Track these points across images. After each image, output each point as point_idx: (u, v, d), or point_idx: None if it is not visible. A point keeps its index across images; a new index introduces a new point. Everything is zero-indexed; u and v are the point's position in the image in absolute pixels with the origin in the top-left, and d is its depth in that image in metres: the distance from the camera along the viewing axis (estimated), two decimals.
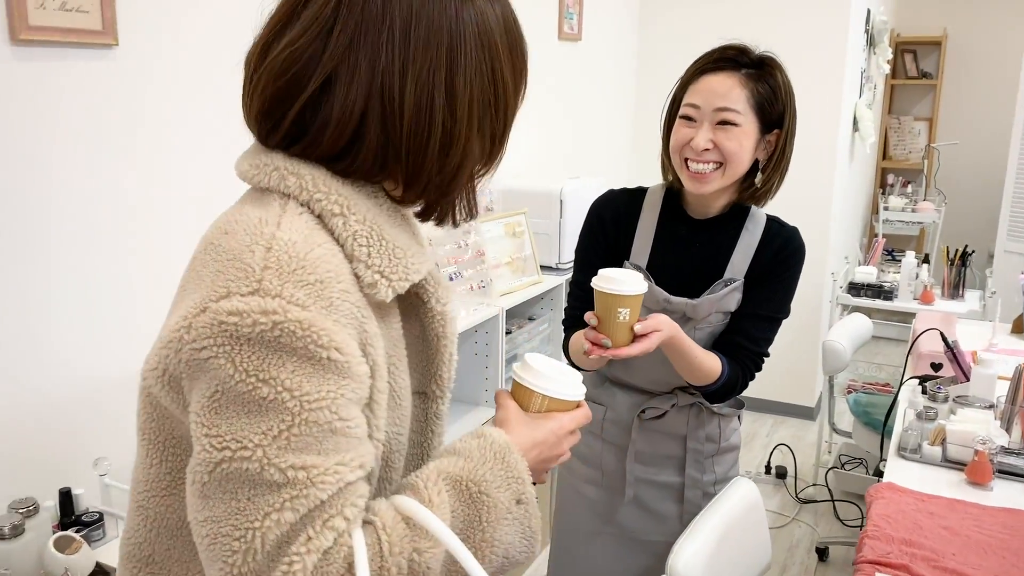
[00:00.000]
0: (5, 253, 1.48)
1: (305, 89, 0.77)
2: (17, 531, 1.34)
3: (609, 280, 1.37)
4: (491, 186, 2.74)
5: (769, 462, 3.64)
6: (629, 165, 4.24)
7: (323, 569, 0.72)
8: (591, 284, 1.40)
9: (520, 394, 0.92)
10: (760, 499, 1.62)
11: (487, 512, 0.81)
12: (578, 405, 0.94)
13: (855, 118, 4.43)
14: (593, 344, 1.40)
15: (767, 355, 1.65)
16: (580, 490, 1.77)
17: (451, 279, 2.34)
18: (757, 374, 1.65)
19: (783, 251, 1.61)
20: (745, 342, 1.60)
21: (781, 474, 3.58)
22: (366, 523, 0.75)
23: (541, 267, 2.76)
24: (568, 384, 0.91)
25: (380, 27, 0.77)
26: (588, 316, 1.42)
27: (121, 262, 1.69)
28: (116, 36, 1.60)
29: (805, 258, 1.65)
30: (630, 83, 4.25)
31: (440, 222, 0.89)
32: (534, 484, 0.87)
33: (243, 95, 0.82)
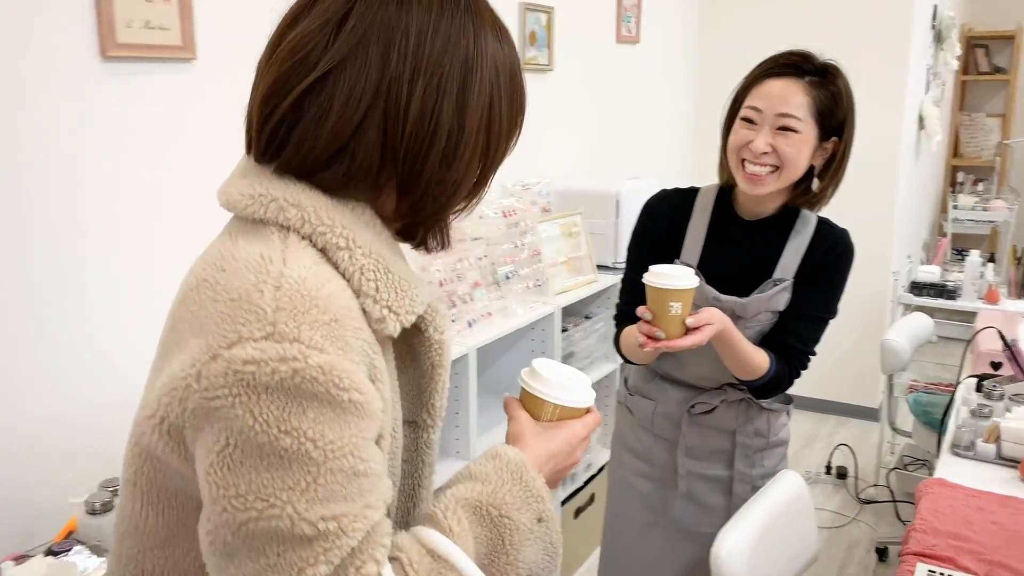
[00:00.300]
0: (105, 254, 1.61)
1: (310, 74, 0.74)
2: (107, 507, 1.46)
3: (661, 275, 1.42)
4: (547, 187, 2.81)
5: (830, 462, 3.62)
6: (688, 167, 4.26)
7: None
8: (643, 280, 1.45)
9: (531, 403, 0.91)
10: (806, 491, 1.65)
11: (510, 535, 0.80)
12: (588, 410, 0.92)
13: (920, 116, 4.36)
14: (647, 337, 1.45)
15: (814, 354, 1.68)
16: (632, 483, 1.82)
17: (507, 278, 2.42)
18: (804, 372, 1.68)
19: (832, 252, 1.63)
20: (793, 341, 1.63)
21: (842, 474, 3.55)
22: (392, 559, 0.74)
23: (598, 267, 2.82)
24: (579, 391, 0.90)
25: (395, 27, 0.75)
26: (641, 310, 1.47)
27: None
28: (195, 51, 1.72)
29: (854, 260, 1.67)
30: (690, 85, 4.27)
31: (416, 245, 0.86)
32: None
33: (252, 91, 0.79)
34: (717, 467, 1.73)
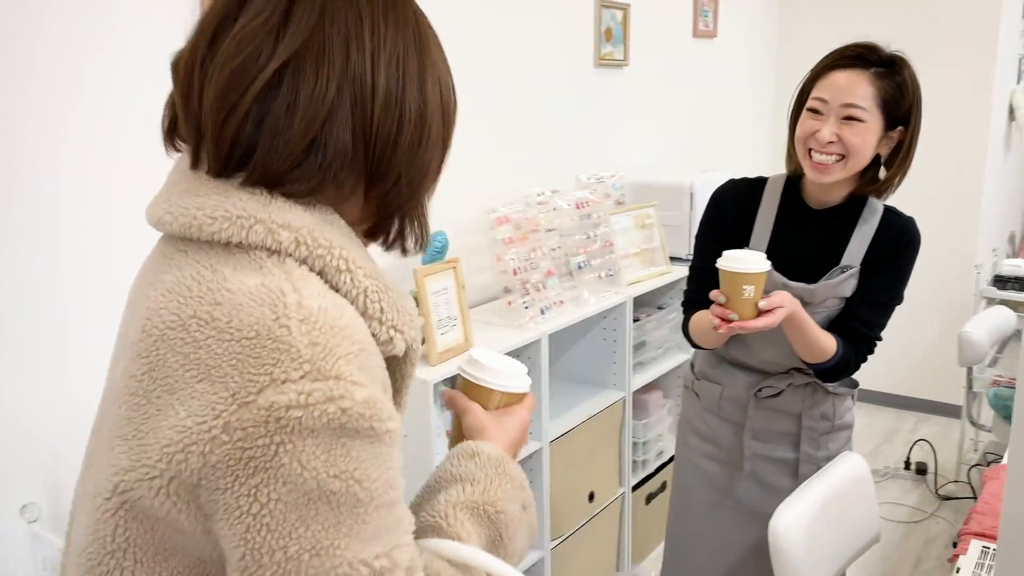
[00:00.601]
0: None
1: (266, 67, 0.69)
2: None
3: (734, 260, 1.49)
4: (621, 181, 2.88)
5: (909, 458, 3.58)
6: (765, 160, 4.25)
7: None
8: (716, 264, 1.51)
9: (477, 393, 0.92)
10: (869, 474, 1.69)
11: (505, 528, 0.82)
12: (524, 395, 0.94)
13: (1011, 106, 4.24)
14: (721, 319, 1.52)
15: (880, 339, 1.72)
16: (698, 465, 1.88)
17: (580, 267, 2.50)
18: (870, 357, 1.72)
19: (899, 239, 1.67)
20: (859, 326, 1.67)
21: (921, 470, 3.51)
22: None
23: (671, 258, 2.87)
24: (519, 376, 0.92)
25: (348, 11, 0.72)
26: (715, 294, 1.53)
27: None
28: None
29: (920, 248, 1.70)
30: (768, 79, 4.26)
31: (389, 245, 0.81)
32: None
33: (181, 96, 0.73)
34: (783, 449, 1.78)
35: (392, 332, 0.73)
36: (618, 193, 2.81)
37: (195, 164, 0.73)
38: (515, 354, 2.22)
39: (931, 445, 3.57)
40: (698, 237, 1.83)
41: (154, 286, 0.71)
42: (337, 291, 0.71)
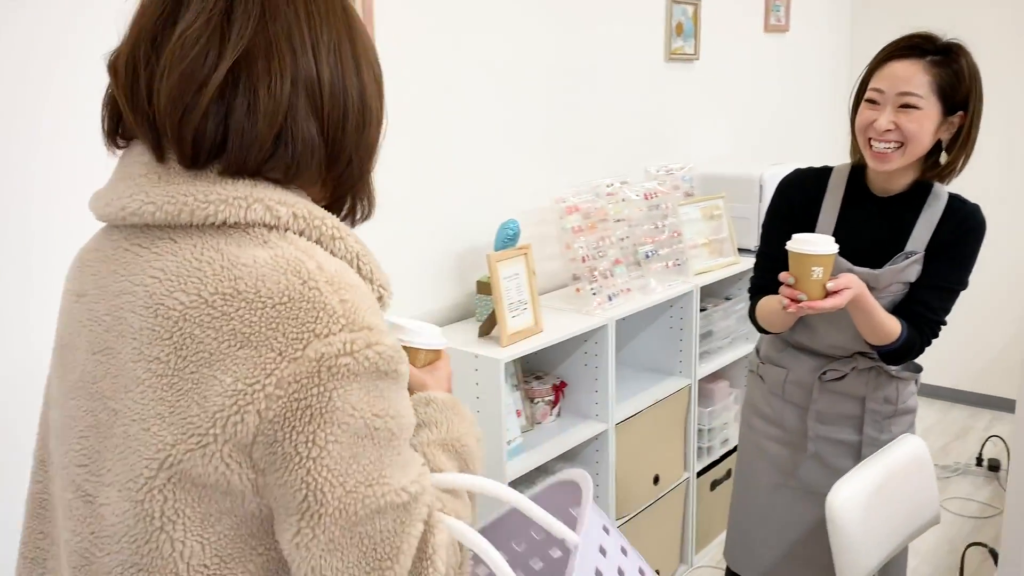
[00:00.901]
0: None
1: (218, 65, 0.72)
2: None
3: (804, 242, 1.55)
4: (690, 173, 2.93)
5: (981, 454, 3.53)
6: (835, 152, 4.23)
7: (448, 560, 0.78)
8: (786, 247, 1.57)
9: (408, 354, 0.98)
10: (928, 456, 1.72)
11: (470, 459, 0.91)
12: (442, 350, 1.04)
13: None
14: (790, 300, 1.57)
15: (944, 323, 1.74)
16: (762, 446, 1.93)
17: (647, 256, 2.57)
18: (934, 340, 1.75)
19: (963, 225, 1.69)
20: (923, 310, 1.70)
21: (993, 466, 3.46)
22: None
23: (739, 249, 2.91)
24: (436, 334, 1.02)
25: (285, 4, 0.75)
26: (784, 275, 1.59)
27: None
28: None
29: (985, 234, 1.72)
30: (841, 72, 4.23)
31: (343, 217, 0.86)
32: None
33: (125, 96, 0.75)
34: (846, 431, 1.82)
35: (381, 291, 0.80)
36: (687, 185, 2.87)
37: (161, 158, 0.75)
38: (582, 339, 2.31)
39: (1004, 442, 3.52)
40: (765, 225, 1.89)
41: (139, 275, 0.73)
42: (334, 256, 0.77)
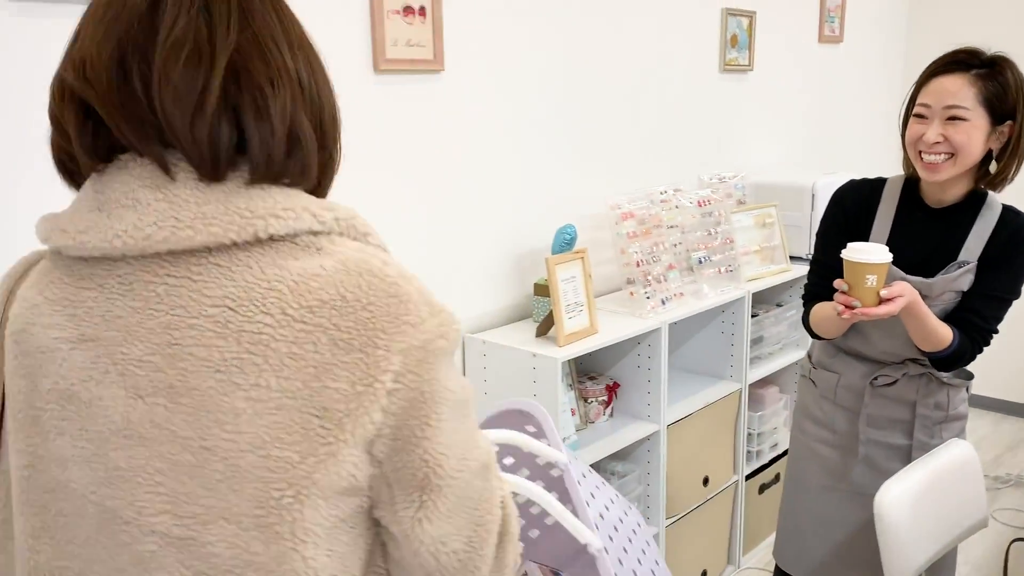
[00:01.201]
0: None
1: (213, 70, 0.70)
2: None
3: (858, 251, 1.61)
4: (743, 181, 2.98)
5: None
6: (888, 163, 4.23)
7: (513, 512, 0.86)
8: (841, 255, 1.63)
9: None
10: (977, 461, 1.75)
11: None
12: None
13: None
14: (845, 306, 1.63)
15: (995, 332, 1.78)
16: (814, 449, 1.98)
17: (700, 262, 2.63)
18: (985, 348, 1.79)
19: (1017, 236, 1.74)
20: (975, 319, 1.74)
21: None
22: None
23: (790, 257, 2.95)
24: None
25: (256, 11, 0.74)
26: (839, 283, 1.65)
27: (436, 257, 2.19)
28: (443, 64, 2.09)
29: None
30: (896, 83, 4.24)
31: None
32: None
33: (120, 109, 0.70)
34: (897, 436, 1.86)
35: None
36: (739, 193, 2.92)
37: (169, 175, 0.71)
38: (636, 341, 2.38)
39: None
40: (819, 234, 1.94)
41: (193, 306, 0.70)
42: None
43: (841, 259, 1.64)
